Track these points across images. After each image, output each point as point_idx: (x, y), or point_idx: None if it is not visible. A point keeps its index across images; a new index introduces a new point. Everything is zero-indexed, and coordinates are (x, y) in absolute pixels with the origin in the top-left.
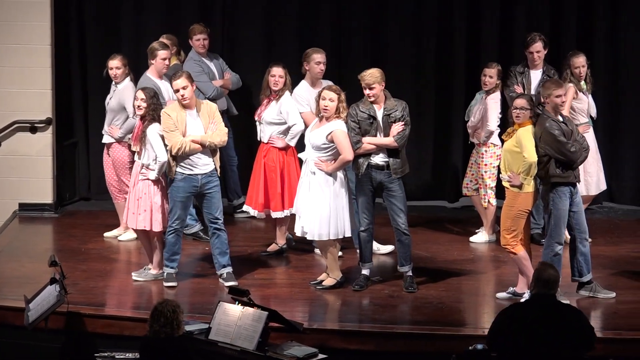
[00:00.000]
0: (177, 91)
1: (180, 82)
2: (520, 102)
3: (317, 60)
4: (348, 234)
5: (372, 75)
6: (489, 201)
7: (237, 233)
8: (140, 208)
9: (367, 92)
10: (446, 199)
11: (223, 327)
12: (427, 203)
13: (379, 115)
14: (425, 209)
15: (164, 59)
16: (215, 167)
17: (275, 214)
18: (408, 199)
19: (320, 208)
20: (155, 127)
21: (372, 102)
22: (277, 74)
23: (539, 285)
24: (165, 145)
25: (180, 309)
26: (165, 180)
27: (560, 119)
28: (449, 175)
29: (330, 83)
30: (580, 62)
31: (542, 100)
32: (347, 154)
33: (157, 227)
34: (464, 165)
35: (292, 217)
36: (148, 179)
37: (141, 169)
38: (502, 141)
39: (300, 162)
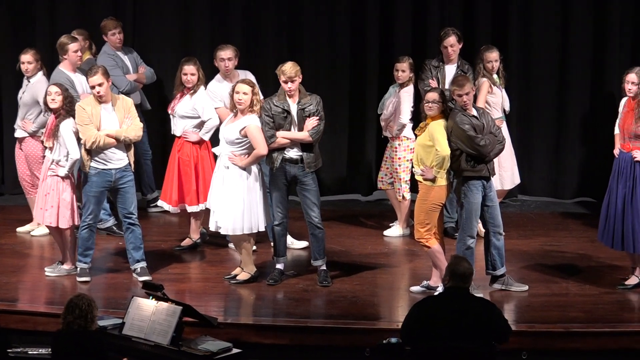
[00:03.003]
0: (92, 87)
1: (97, 79)
2: (431, 95)
3: (220, 57)
4: (262, 228)
5: (292, 69)
6: (403, 195)
7: (151, 228)
8: (47, 204)
9: (287, 85)
10: (360, 193)
11: (137, 322)
12: (342, 197)
13: (293, 109)
14: (340, 203)
15: (76, 52)
16: (130, 162)
17: (190, 209)
18: (323, 194)
19: (234, 202)
20: (69, 123)
21: (288, 96)
22: (188, 72)
23: (452, 278)
24: (79, 142)
25: (95, 304)
26: (78, 175)
27: (474, 112)
28: (363, 169)
29: (248, 74)
30: (493, 56)
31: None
32: (261, 148)
33: (64, 224)
34: (378, 159)
35: (207, 211)
36: (57, 175)
37: (51, 164)
38: (416, 135)
39: (215, 156)
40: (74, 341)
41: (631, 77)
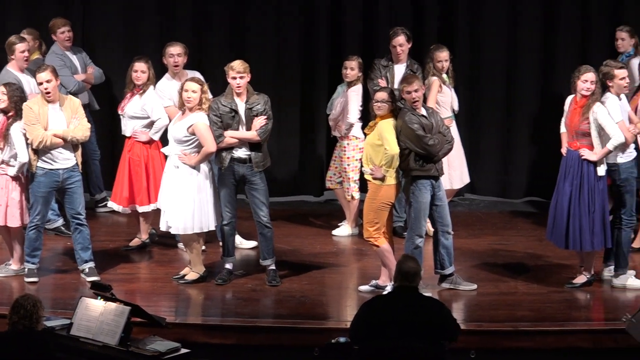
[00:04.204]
0: (40, 84)
1: (44, 75)
2: (380, 95)
3: (170, 53)
4: (213, 227)
5: (241, 65)
6: (352, 194)
7: (99, 228)
8: None
9: (236, 82)
10: (311, 193)
11: (85, 322)
12: (291, 197)
13: (241, 109)
14: (288, 202)
15: (23, 52)
16: (77, 162)
17: (141, 209)
18: (272, 193)
19: (185, 202)
20: (19, 125)
21: (235, 95)
22: (139, 69)
23: (399, 277)
24: (27, 141)
25: (41, 305)
26: (27, 176)
27: (423, 112)
28: (313, 169)
29: (196, 74)
30: (443, 56)
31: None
32: (210, 146)
33: (14, 223)
34: (328, 158)
35: (157, 211)
36: (7, 174)
37: (0, 164)
38: (365, 134)
39: (166, 156)
40: (19, 342)
41: (590, 76)
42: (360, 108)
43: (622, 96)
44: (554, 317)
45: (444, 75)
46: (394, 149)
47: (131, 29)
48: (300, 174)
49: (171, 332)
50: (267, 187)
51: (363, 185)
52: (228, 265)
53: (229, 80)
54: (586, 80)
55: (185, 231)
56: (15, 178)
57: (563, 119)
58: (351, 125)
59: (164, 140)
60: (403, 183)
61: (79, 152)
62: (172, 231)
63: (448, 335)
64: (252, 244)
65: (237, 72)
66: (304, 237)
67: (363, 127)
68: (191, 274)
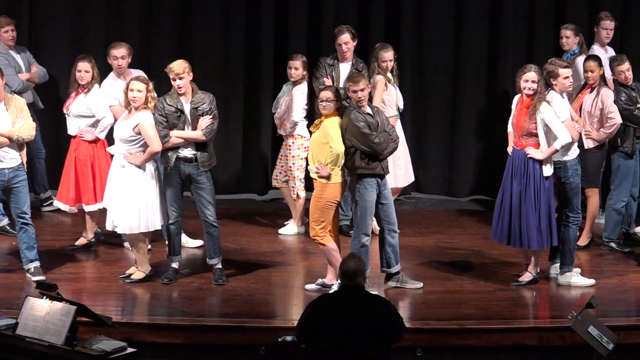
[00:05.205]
0: None
1: None
2: (325, 93)
3: (113, 55)
4: (159, 226)
5: (180, 65)
6: (297, 193)
7: (44, 227)
8: None
9: (177, 83)
10: (255, 192)
11: (31, 322)
12: (237, 196)
13: (187, 108)
14: (234, 201)
15: None
16: (22, 162)
17: (88, 208)
18: (217, 192)
19: (131, 201)
20: None
21: (180, 95)
22: (82, 69)
23: (340, 276)
24: None
25: None
26: None
27: (368, 110)
28: (258, 168)
29: (141, 72)
30: (388, 56)
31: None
32: (155, 145)
33: None
34: (273, 157)
35: (103, 210)
36: None
37: None
38: (311, 133)
39: (112, 155)
40: None
41: (531, 75)
42: (306, 107)
43: (564, 94)
44: (500, 315)
45: (389, 74)
46: (339, 147)
47: (78, 27)
48: (244, 173)
49: (117, 331)
50: (213, 186)
51: (309, 183)
52: (174, 265)
53: (171, 81)
54: (527, 80)
55: (132, 230)
56: None
57: (510, 118)
58: (296, 124)
59: (109, 139)
60: (349, 181)
61: (24, 151)
62: (118, 230)
63: (393, 333)
64: (198, 242)
65: (176, 74)
66: (250, 235)
67: (308, 126)
68: (137, 273)
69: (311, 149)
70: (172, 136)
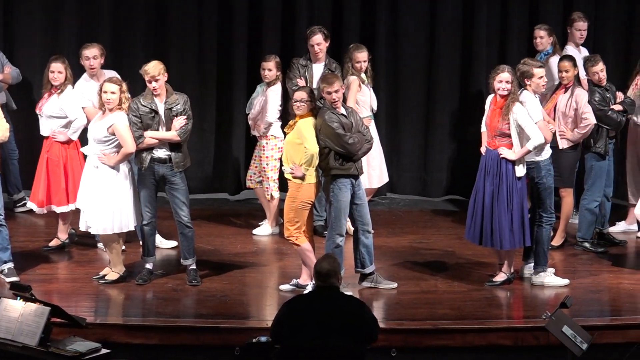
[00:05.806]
0: None
1: None
2: (300, 94)
3: (85, 55)
4: (132, 227)
5: (155, 67)
6: (271, 194)
7: (17, 228)
8: None
9: (152, 85)
10: (228, 192)
11: (4, 323)
12: (210, 196)
13: (161, 109)
14: (208, 202)
15: None
16: None
17: (59, 209)
18: (191, 193)
19: (104, 202)
20: None
21: (154, 96)
22: (55, 70)
23: (315, 277)
24: None
25: None
26: None
27: (342, 111)
28: (231, 168)
29: (114, 73)
30: (361, 57)
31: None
32: (129, 146)
33: None
34: (247, 158)
35: (76, 211)
36: None
37: None
38: (285, 134)
39: (85, 156)
40: None
41: (505, 76)
42: (280, 107)
43: (537, 95)
44: (475, 315)
45: (363, 75)
46: (313, 147)
47: (51, 28)
48: (217, 173)
49: (91, 332)
50: (187, 186)
51: (283, 184)
52: (148, 265)
53: (146, 82)
54: (501, 80)
55: (105, 231)
56: None
57: (484, 119)
58: (270, 125)
59: (82, 140)
60: (323, 182)
61: None
62: (92, 231)
63: (368, 334)
64: (173, 243)
65: (151, 76)
66: (224, 236)
67: (282, 127)
68: (111, 274)
69: (285, 149)
70: (146, 137)
